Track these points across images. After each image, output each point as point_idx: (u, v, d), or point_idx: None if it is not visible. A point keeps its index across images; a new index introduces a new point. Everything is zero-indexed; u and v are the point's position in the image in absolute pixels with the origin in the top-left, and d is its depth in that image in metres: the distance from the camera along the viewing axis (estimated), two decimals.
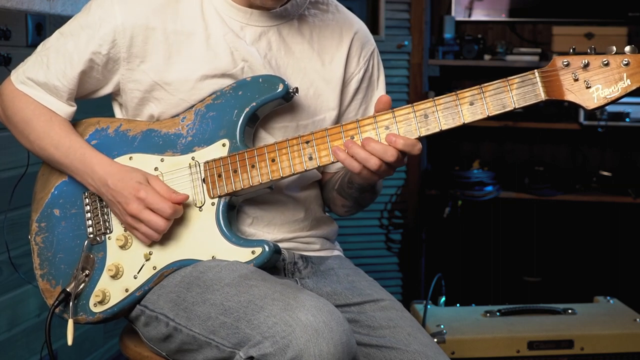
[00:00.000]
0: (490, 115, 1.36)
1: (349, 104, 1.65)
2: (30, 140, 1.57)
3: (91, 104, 1.66)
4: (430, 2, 3.65)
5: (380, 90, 1.69)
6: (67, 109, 1.57)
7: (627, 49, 1.31)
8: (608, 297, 2.63)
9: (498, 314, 2.47)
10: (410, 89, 3.53)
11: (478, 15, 3.79)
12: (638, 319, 2.41)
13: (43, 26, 2.29)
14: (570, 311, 2.49)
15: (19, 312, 2.30)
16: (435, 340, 1.99)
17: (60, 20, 2.36)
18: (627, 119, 3.43)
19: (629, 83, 1.30)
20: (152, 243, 1.50)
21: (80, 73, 1.53)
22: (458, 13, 3.78)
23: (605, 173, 3.63)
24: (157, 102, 1.54)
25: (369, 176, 1.42)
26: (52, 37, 1.57)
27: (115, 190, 1.47)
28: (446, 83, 3.73)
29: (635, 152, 3.74)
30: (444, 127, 1.38)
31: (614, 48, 1.32)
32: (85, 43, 1.51)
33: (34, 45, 1.62)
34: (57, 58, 1.53)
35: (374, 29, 3.40)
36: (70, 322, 1.52)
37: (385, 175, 1.43)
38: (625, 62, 1.30)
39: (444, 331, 2.32)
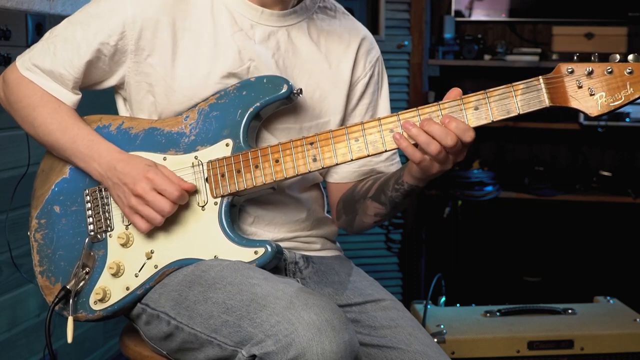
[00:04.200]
0: (494, 120, 1.36)
1: (354, 108, 1.65)
2: (34, 126, 1.56)
3: (94, 102, 1.65)
4: (430, 2, 3.65)
5: (383, 97, 1.69)
6: (72, 97, 1.56)
7: (631, 57, 1.32)
8: (608, 297, 2.63)
9: (498, 314, 2.47)
10: (410, 89, 3.53)
11: (478, 15, 3.79)
12: (638, 319, 2.41)
13: (43, 26, 2.29)
14: (570, 311, 2.49)
15: (19, 312, 2.30)
16: (435, 340, 1.98)
17: (60, 20, 2.35)
18: (627, 119, 3.43)
19: (632, 91, 1.31)
20: (153, 241, 1.49)
21: (87, 63, 1.52)
22: (458, 13, 3.78)
23: (605, 173, 3.63)
24: (161, 97, 1.53)
25: (428, 166, 1.38)
26: (60, 25, 1.56)
27: (122, 173, 1.47)
28: (446, 83, 3.72)
29: (635, 152, 3.75)
30: None
31: (618, 56, 1.32)
32: (94, 33, 1.50)
33: None
34: (65, 46, 1.52)
35: (374, 29, 3.39)
36: (70, 320, 1.51)
37: (444, 168, 1.40)
38: (629, 71, 1.30)
39: (444, 331, 2.32)
